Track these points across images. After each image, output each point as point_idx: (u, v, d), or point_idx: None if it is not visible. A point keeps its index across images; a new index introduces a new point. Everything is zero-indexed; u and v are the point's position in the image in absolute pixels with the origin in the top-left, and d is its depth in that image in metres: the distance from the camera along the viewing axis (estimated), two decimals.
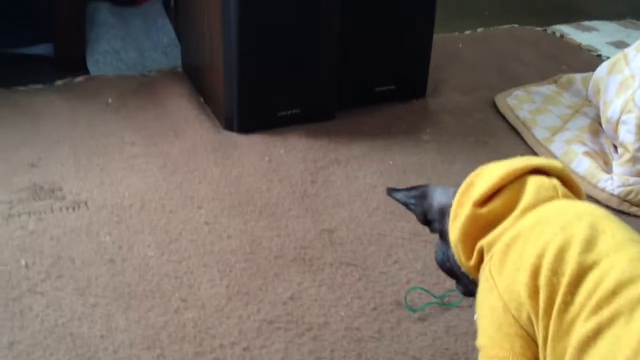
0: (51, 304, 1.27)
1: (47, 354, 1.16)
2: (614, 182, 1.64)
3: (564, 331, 0.78)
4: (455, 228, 0.95)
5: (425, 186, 1.06)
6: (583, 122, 1.94)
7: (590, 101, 2.00)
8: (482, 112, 2.10)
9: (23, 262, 1.38)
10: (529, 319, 0.83)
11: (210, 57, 1.97)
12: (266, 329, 1.24)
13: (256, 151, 1.82)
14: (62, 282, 1.33)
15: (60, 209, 1.54)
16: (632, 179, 1.62)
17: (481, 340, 0.88)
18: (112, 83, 2.16)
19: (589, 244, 0.81)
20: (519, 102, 2.07)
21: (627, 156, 1.65)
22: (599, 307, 0.76)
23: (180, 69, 2.26)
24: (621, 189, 1.62)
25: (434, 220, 1.03)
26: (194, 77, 2.16)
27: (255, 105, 1.90)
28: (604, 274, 0.78)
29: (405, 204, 1.06)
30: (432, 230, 1.04)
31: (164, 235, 1.48)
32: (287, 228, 1.53)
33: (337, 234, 1.52)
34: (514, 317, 0.84)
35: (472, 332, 1.04)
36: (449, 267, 1.03)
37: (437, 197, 1.02)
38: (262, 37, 1.82)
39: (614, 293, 0.76)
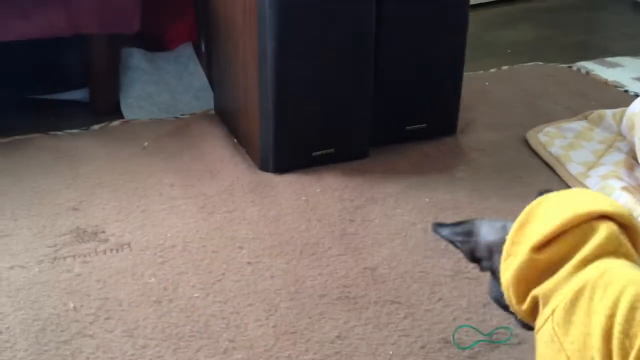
0: (101, 346, 1.28)
1: None
2: None
3: None
4: (508, 269, 0.91)
5: (470, 222, 1.03)
6: (618, 157, 1.94)
7: (624, 137, 2.00)
8: (514, 149, 2.11)
9: (71, 305, 1.39)
10: None
11: (245, 98, 2.00)
12: None
13: (293, 191, 1.84)
14: (110, 324, 1.34)
15: (105, 252, 1.56)
16: None
17: None
18: (147, 127, 2.20)
19: None
20: (551, 139, 2.08)
21: None
22: None
23: (212, 112, 2.30)
24: None
25: (482, 259, 1.01)
26: (226, 119, 2.19)
27: (290, 146, 1.92)
28: None
29: (452, 242, 1.04)
30: (482, 269, 1.02)
31: (207, 275, 1.49)
32: (328, 267, 1.54)
33: (379, 272, 1.52)
34: None
35: None
36: (504, 305, 0.99)
37: (484, 234, 1.00)
38: (299, 77, 1.85)
39: None
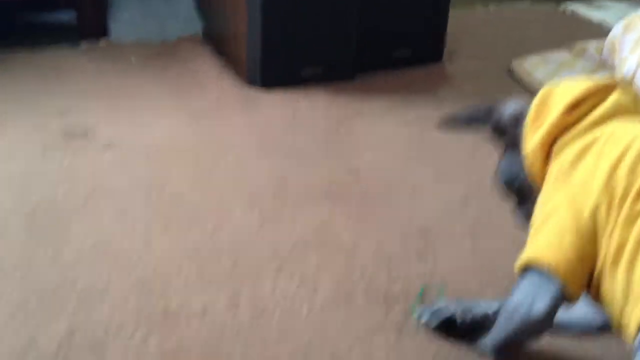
0: (89, 225, 1.31)
1: (90, 267, 1.20)
2: None
3: (636, 212, 0.82)
4: (537, 132, 0.96)
5: (485, 104, 1.08)
6: None
7: (605, 61, 2.05)
8: (498, 78, 2.15)
9: (61, 191, 1.41)
10: (593, 218, 0.85)
11: (233, 18, 2.01)
12: (299, 248, 1.29)
13: (279, 105, 1.87)
14: (100, 209, 1.37)
15: (94, 149, 1.58)
16: None
17: (536, 233, 0.90)
18: (135, 47, 2.20)
19: None
20: (535, 66, 2.12)
21: None
22: None
23: (200, 37, 2.30)
24: None
25: (505, 130, 1.03)
26: (214, 42, 2.21)
27: (278, 62, 1.94)
28: None
29: (474, 119, 1.07)
30: (504, 140, 1.05)
31: (195, 171, 1.53)
32: (314, 168, 1.57)
33: (362, 174, 1.56)
34: (577, 214, 0.86)
35: None
36: (518, 186, 1.03)
37: (509, 107, 1.04)
38: None
39: None
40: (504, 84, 2.10)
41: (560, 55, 2.20)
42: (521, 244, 1.31)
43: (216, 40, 2.20)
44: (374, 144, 1.69)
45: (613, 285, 0.83)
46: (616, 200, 0.83)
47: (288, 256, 1.26)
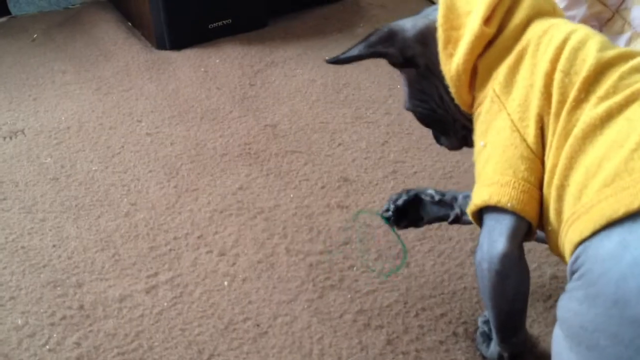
0: None
1: (1, 267, 1.15)
2: None
3: (571, 126, 0.73)
4: (454, 54, 0.82)
5: (382, 28, 0.90)
6: None
7: None
8: (414, 3, 2.10)
9: None
10: (538, 134, 0.75)
11: None
12: (218, 217, 1.25)
13: (191, 64, 1.80)
14: (7, 203, 1.31)
15: None
16: None
17: (481, 170, 0.80)
18: (36, 20, 2.09)
19: (604, 45, 0.76)
20: None
21: None
22: (612, 92, 0.71)
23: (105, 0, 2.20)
24: None
25: (415, 56, 0.87)
26: (119, 4, 2.10)
27: (184, 20, 1.86)
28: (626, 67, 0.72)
29: (372, 54, 0.88)
30: (417, 67, 0.89)
31: (106, 150, 1.46)
32: (230, 128, 1.53)
33: (280, 128, 1.52)
34: (521, 136, 0.77)
35: None
36: (440, 115, 0.89)
37: (410, 28, 0.87)
38: None
39: (632, 75, 0.71)
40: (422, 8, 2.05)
41: None
42: (443, 182, 1.32)
43: (120, 3, 2.09)
44: (290, 95, 1.65)
45: (548, 210, 0.76)
46: (553, 110, 0.75)
47: (206, 229, 1.23)
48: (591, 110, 0.72)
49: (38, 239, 1.21)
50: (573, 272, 0.72)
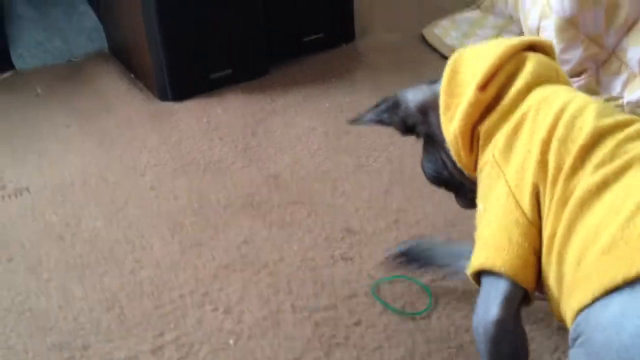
0: (4, 285, 1.26)
1: (8, 330, 1.16)
2: None
3: (569, 193, 0.74)
4: (453, 119, 0.86)
5: (391, 97, 0.97)
6: None
7: (511, 17, 2.04)
8: (412, 47, 2.13)
9: None
10: (533, 202, 0.77)
11: (134, 32, 1.94)
12: (222, 273, 1.26)
13: (193, 115, 1.82)
14: (13, 264, 1.32)
15: (2, 198, 1.52)
16: None
17: (480, 234, 0.82)
18: (40, 74, 2.12)
19: (602, 112, 0.77)
20: (446, 31, 2.10)
21: None
22: (609, 159, 0.72)
23: (107, 51, 2.23)
24: None
25: (416, 124, 0.94)
26: (121, 56, 2.14)
27: (186, 71, 1.89)
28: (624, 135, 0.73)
29: (380, 121, 0.97)
30: (418, 136, 0.96)
31: (110, 205, 1.48)
32: (232, 180, 1.54)
33: (282, 178, 1.54)
34: (516, 202, 0.78)
35: None
36: (446, 177, 0.95)
37: (412, 98, 0.94)
38: (181, 3, 1.80)
39: (629, 143, 0.72)
40: (420, 54, 2.08)
41: (471, 15, 2.19)
42: (445, 230, 1.32)
43: (122, 55, 2.13)
44: (292, 143, 1.66)
45: (548, 278, 0.77)
46: (550, 178, 0.76)
47: (211, 285, 1.23)
48: (588, 178, 0.72)
49: (44, 301, 1.22)
50: (574, 339, 0.72)
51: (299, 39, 2.09)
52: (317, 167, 1.56)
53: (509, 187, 0.79)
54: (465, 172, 0.91)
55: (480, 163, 0.86)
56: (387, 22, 2.29)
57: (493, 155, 0.83)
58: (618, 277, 0.66)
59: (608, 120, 0.76)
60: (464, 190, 0.96)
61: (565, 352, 1.04)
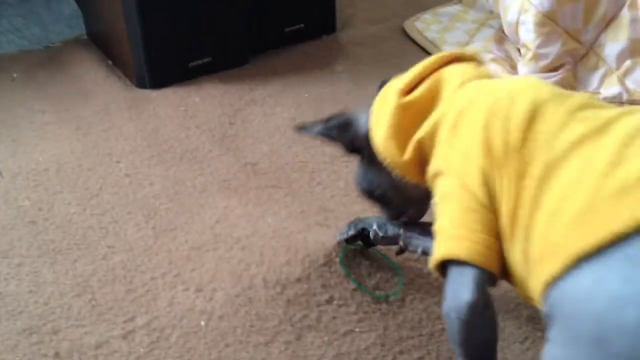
0: None
1: None
2: None
3: (524, 164, 0.75)
4: (380, 124, 0.91)
5: (343, 114, 1.01)
6: (488, 33, 1.99)
7: (492, 12, 2.04)
8: (393, 40, 2.13)
9: None
10: (484, 185, 0.79)
11: (113, 19, 1.93)
12: (195, 254, 1.25)
13: (171, 103, 1.81)
14: None
15: None
16: (536, 76, 1.67)
17: (440, 223, 0.84)
18: (17, 59, 2.09)
19: (537, 88, 0.81)
20: (427, 25, 2.10)
21: (529, 55, 1.70)
22: (560, 127, 0.74)
23: (85, 38, 2.21)
24: None
25: (362, 148, 0.99)
26: (100, 42, 2.12)
27: (164, 59, 1.88)
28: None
29: (327, 137, 1.01)
30: (362, 158, 1.02)
31: (84, 192, 1.46)
32: (209, 167, 1.53)
33: (260, 166, 1.53)
34: (468, 189, 0.80)
35: None
36: (377, 195, 1.01)
37: (363, 123, 0.98)
38: None
39: (578, 111, 0.75)
40: (399, 47, 2.08)
41: (452, 9, 2.19)
42: None
43: (101, 42, 2.11)
44: (270, 133, 1.65)
45: (514, 254, 0.78)
46: (498, 156, 0.77)
47: (184, 266, 1.22)
48: (544, 148, 0.73)
49: (14, 285, 1.20)
50: (549, 318, 0.72)
51: (280, 29, 2.08)
52: (294, 157, 1.56)
53: (458, 176, 0.82)
54: (414, 180, 0.93)
55: (432, 165, 0.88)
56: (368, 14, 2.29)
57: (440, 152, 0.86)
58: (587, 244, 0.66)
59: (545, 93, 0.79)
60: (390, 205, 1.02)
61: (534, 342, 1.05)
